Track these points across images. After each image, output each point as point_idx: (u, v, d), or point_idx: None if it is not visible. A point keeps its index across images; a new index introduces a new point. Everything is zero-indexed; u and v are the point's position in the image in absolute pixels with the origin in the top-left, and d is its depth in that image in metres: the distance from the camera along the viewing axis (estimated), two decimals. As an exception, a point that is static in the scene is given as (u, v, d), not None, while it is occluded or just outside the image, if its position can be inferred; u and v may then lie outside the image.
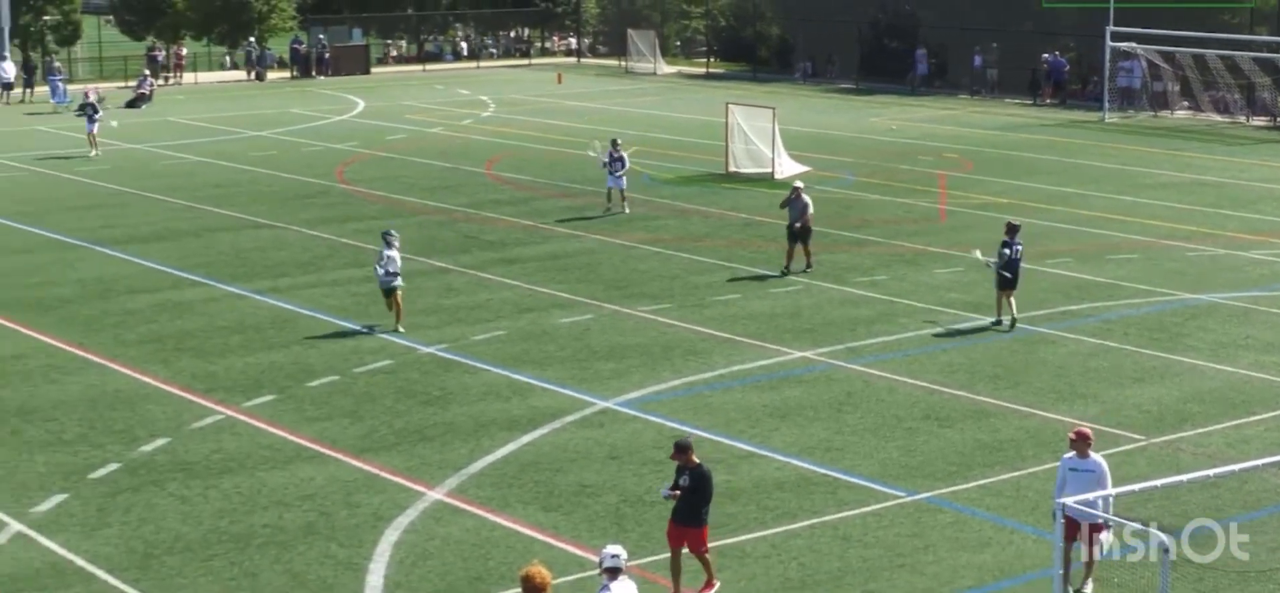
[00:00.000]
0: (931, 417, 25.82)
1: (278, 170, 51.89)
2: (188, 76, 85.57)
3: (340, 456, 24.04)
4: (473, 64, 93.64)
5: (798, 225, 35.85)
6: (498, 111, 69.36)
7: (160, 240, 40.24)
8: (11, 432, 25.19)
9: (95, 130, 55.29)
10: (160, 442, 24.69)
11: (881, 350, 29.72)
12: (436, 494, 22.40)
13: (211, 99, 75.45)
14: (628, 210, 42.64)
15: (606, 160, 43.22)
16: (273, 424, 25.48)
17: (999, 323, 30.96)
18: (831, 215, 42.63)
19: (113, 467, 23.56)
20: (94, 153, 54.63)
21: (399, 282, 30.96)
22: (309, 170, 51.84)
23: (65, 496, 22.37)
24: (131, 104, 70.70)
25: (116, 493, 22.47)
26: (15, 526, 21.26)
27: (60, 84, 71.64)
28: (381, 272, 30.92)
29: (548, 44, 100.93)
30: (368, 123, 65.26)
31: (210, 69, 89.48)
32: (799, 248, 35.96)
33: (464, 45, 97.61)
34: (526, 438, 24.76)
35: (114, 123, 56.40)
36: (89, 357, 29.50)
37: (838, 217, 42.90)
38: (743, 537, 20.80)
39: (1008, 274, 30.89)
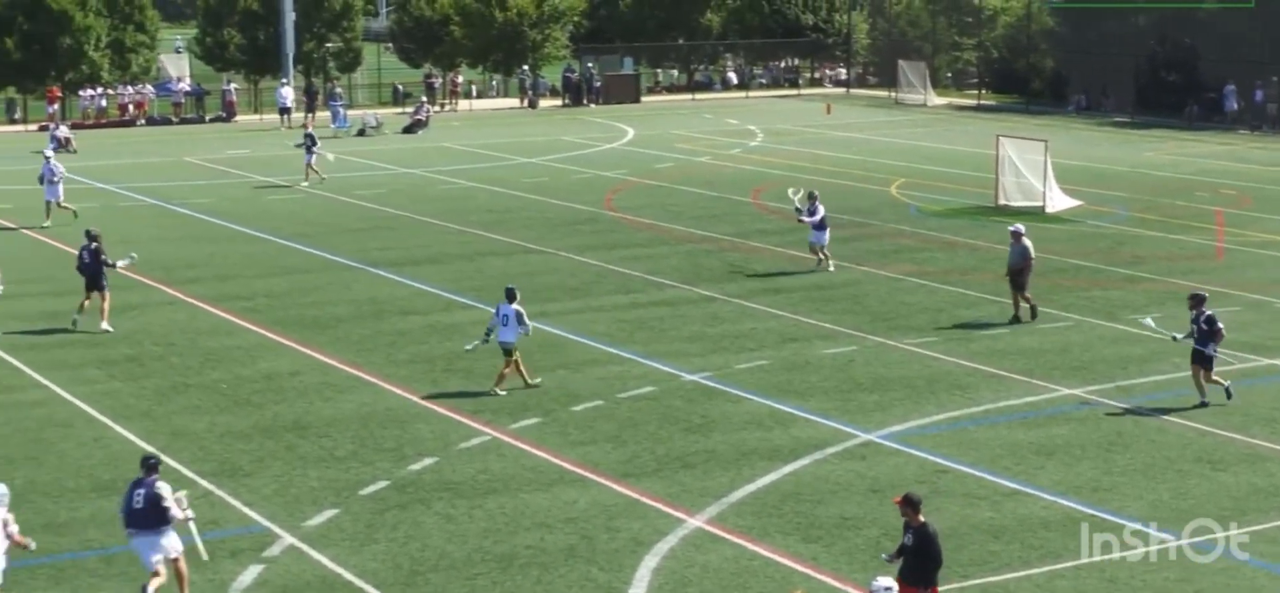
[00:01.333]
0: (1204, 459, 25.06)
1: (548, 196, 52.66)
2: (463, 103, 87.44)
3: (602, 479, 24.24)
4: (742, 93, 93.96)
5: (1016, 271, 34.16)
6: (765, 141, 69.42)
7: (433, 263, 41.11)
8: (287, 447, 25.94)
9: (313, 161, 55.60)
10: (428, 461, 25.19)
11: (1152, 389, 28.95)
12: (697, 521, 22.44)
13: (485, 125, 76.95)
14: (832, 268, 39.71)
15: (805, 214, 40.08)
16: (537, 447, 25.81)
17: (1203, 404, 27.64)
18: (1104, 250, 41.72)
19: (382, 484, 24.10)
20: (305, 183, 55.30)
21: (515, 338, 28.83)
22: (578, 197, 52.49)
23: (336, 511, 22.95)
24: (408, 130, 72.47)
25: (385, 510, 22.99)
26: (288, 538, 21.87)
27: (341, 109, 73.74)
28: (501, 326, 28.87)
29: (817, 74, 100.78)
30: (637, 151, 65.87)
31: (485, 97, 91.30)
32: (1018, 295, 34.23)
33: (733, 74, 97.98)
34: (788, 468, 24.67)
35: (330, 156, 57.05)
36: (362, 375, 30.25)
37: (1110, 252, 41.98)
38: (1006, 576, 20.42)
39: (1201, 349, 27.82)
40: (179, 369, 30.77)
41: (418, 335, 33.32)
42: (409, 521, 22.56)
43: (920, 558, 17.71)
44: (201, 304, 36.42)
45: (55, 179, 46.91)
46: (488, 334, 29.08)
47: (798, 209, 41.09)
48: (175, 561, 19.40)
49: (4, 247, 43.35)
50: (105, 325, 33.47)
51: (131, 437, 26.33)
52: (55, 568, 20.77)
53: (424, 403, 28.36)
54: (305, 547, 21.56)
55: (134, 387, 29.49)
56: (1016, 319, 34.09)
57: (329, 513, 22.85)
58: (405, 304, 36.17)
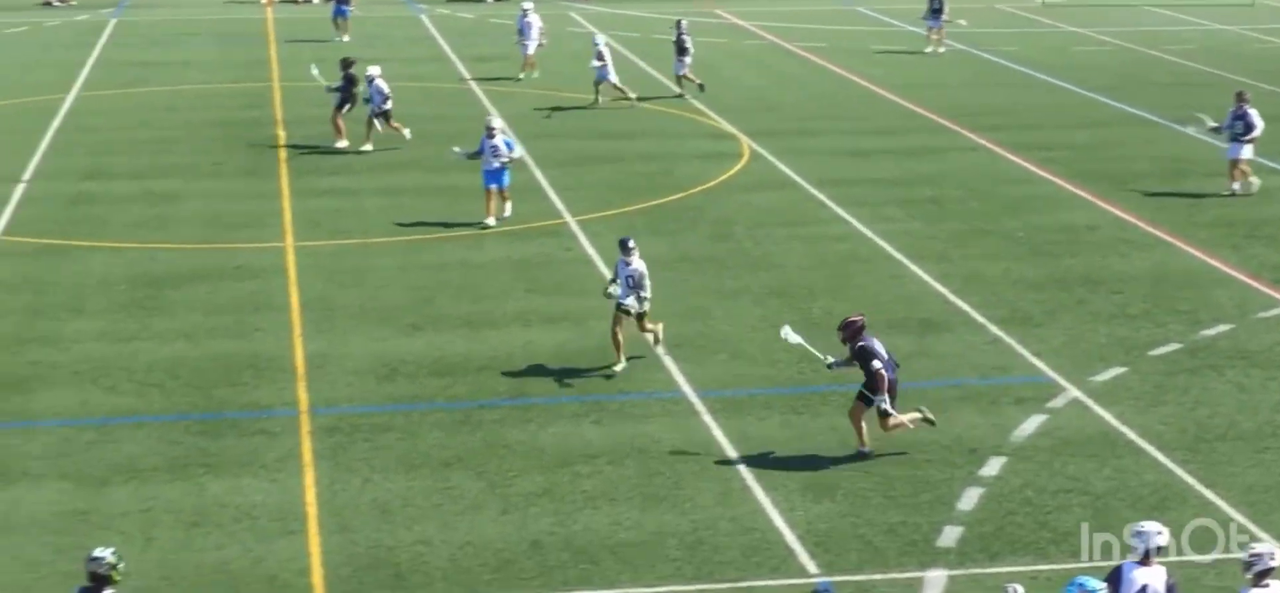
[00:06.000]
0: None
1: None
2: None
3: None
4: None
5: None
6: None
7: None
8: (1078, 301, 25.86)
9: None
10: (1223, 327, 24.49)
11: None
12: None
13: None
14: None
15: None
16: (1342, 323, 24.57)
17: None
18: None
19: (1173, 346, 23.65)
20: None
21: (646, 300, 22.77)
22: None
23: (1124, 369, 22.74)
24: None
25: (1175, 373, 22.58)
26: (1073, 391, 21.88)
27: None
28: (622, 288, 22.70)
29: None
30: None
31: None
32: None
33: None
34: None
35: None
36: (1159, 234, 29.66)
37: None
38: None
39: None
40: (977, 214, 31.19)
41: (1221, 199, 32.23)
42: (1199, 386, 22.08)
43: None
44: (1003, 152, 36.69)
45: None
46: None
47: None
48: None
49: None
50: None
51: (927, 278, 27.00)
52: (845, 396, 21.69)
53: (1223, 268, 27.52)
54: (1089, 401, 21.52)
55: (932, 228, 30.15)
56: None
57: (1116, 370, 22.67)
58: (1209, 165, 35.02)
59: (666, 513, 18.18)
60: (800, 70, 48.19)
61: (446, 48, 50.83)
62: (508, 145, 29.95)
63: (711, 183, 33.45)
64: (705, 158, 35.68)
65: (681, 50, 42.59)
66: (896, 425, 19.67)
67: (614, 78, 41.05)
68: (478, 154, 29.79)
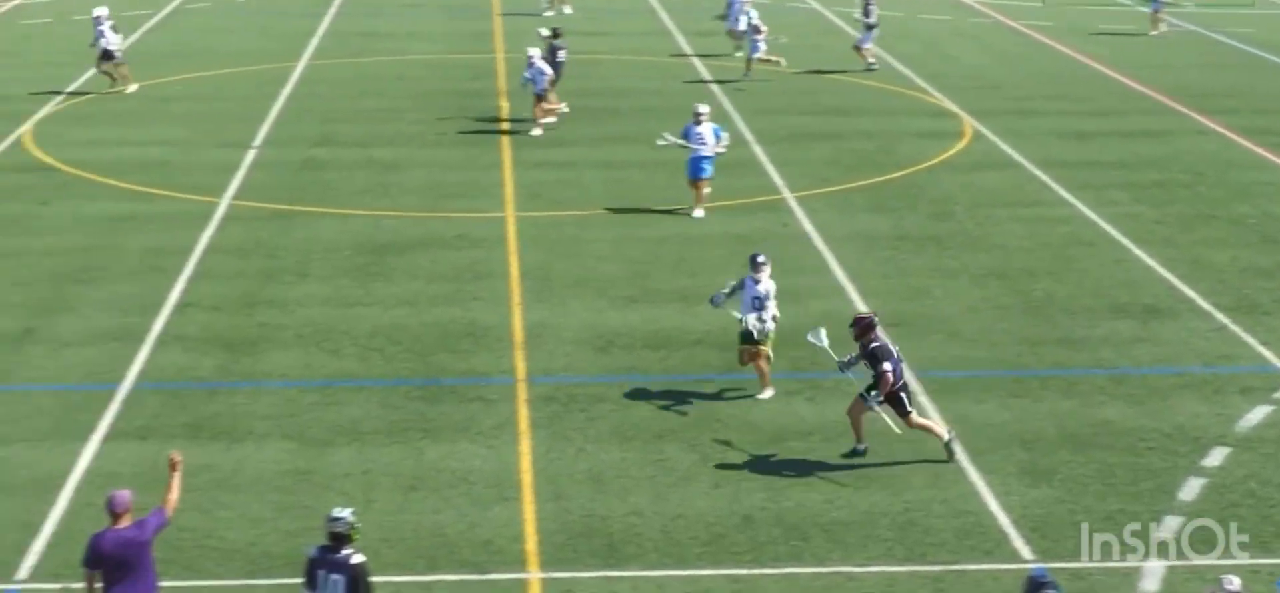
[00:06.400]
0: None
1: None
2: None
3: None
4: None
5: None
6: None
7: None
8: (1310, 289, 25.19)
9: None
10: None
11: None
12: None
13: None
14: None
15: None
16: None
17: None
18: None
19: None
20: None
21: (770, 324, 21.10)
22: None
23: (1357, 361, 22.14)
24: None
25: None
26: (1303, 382, 21.35)
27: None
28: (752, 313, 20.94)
29: None
30: None
31: None
32: None
33: None
34: None
35: None
36: (1398, 224, 28.76)
37: None
38: None
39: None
40: (1205, 199, 30.48)
41: None
42: None
43: None
44: (1234, 136, 35.76)
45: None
46: None
47: None
48: None
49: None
50: None
51: (1152, 262, 26.45)
52: (1066, 382, 21.35)
53: None
54: (1319, 394, 20.96)
55: (1158, 212, 29.53)
56: None
57: (1348, 362, 22.06)
58: None
59: (878, 493, 18.07)
60: (1023, 49, 47.47)
61: (667, 21, 50.97)
62: (716, 133, 28.97)
63: (932, 161, 33.12)
64: (926, 136, 35.34)
65: (868, 26, 42.26)
66: (921, 425, 19.02)
67: (763, 50, 40.77)
68: (685, 141, 29.15)
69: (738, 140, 33.33)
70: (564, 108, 36.08)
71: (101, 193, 30.26)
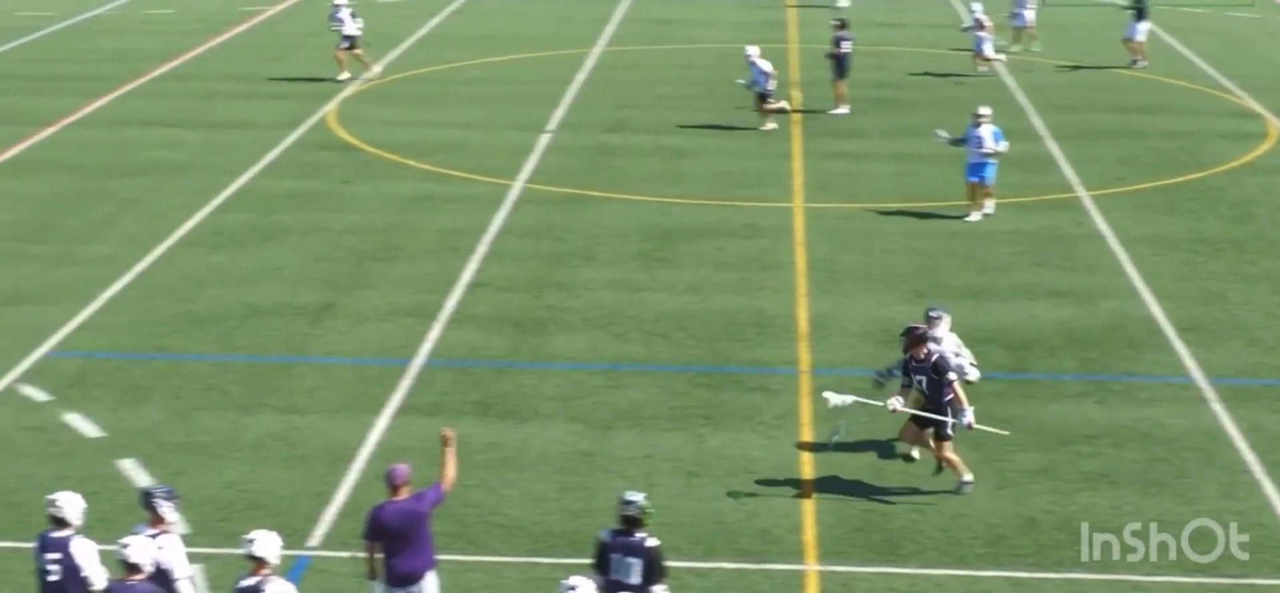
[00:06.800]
0: None
1: None
2: None
3: None
4: None
5: None
6: None
7: None
8: None
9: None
10: None
11: None
12: None
13: None
14: None
15: None
16: None
17: None
18: None
19: None
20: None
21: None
22: None
23: None
24: None
25: None
26: None
27: None
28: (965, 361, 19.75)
29: None
30: None
31: None
32: None
33: None
34: None
35: None
36: None
37: None
38: None
39: None
40: None
41: None
42: None
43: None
44: None
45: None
46: None
47: None
48: None
49: None
50: None
51: None
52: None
53: None
54: None
55: None
56: None
57: None
58: None
59: (1167, 501, 17.62)
60: (1337, 48, 45.75)
61: (962, 14, 50.32)
62: (996, 136, 28.05)
63: (1234, 163, 32.12)
64: (1229, 137, 34.27)
65: (1140, 15, 41.01)
66: (949, 459, 17.80)
67: (988, 50, 39.87)
68: (962, 142, 28.50)
69: (1032, 136, 32.77)
70: (785, 105, 35.44)
71: (401, 173, 31.09)
